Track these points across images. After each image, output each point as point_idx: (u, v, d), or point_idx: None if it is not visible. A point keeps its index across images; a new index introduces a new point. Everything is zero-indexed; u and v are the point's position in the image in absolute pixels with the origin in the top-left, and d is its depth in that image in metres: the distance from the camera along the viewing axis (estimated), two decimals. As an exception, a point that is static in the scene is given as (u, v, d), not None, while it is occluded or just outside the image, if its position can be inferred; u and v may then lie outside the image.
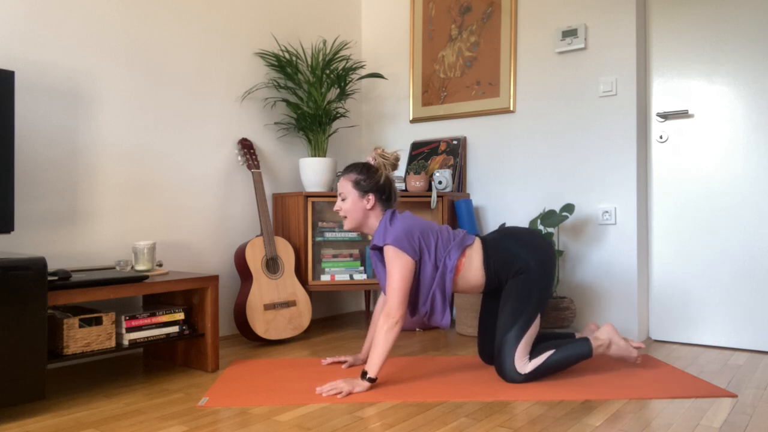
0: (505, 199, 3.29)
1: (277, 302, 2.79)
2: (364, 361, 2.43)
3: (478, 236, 2.29)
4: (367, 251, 2.31)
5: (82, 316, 2.02)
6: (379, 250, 2.22)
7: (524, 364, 2.10)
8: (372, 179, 2.22)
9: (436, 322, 2.20)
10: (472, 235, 2.28)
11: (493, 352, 2.37)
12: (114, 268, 2.39)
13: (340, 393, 1.99)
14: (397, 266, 2.09)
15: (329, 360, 2.43)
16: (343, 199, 2.24)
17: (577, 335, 2.40)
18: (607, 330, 2.24)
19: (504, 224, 3.00)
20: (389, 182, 2.26)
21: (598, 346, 2.18)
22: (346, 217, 2.24)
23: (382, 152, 2.26)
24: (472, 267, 2.19)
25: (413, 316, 2.25)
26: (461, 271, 2.18)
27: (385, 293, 2.24)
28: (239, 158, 3.02)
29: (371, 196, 2.21)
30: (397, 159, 2.27)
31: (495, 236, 2.26)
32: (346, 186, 2.23)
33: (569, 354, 2.14)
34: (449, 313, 2.18)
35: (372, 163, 2.26)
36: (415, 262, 2.12)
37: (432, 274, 2.16)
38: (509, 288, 2.18)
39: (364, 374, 2.06)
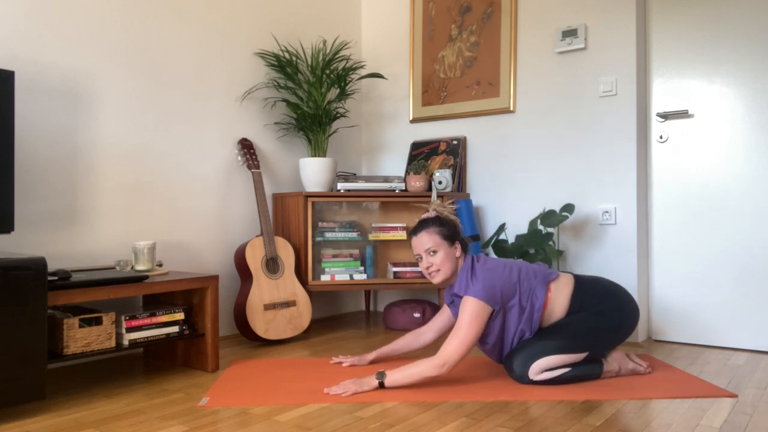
0: (505, 199, 3.29)
1: (277, 302, 2.79)
2: (370, 362, 2.42)
3: (569, 273, 2.30)
4: (446, 294, 2.35)
5: (82, 316, 2.02)
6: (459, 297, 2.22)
7: (537, 374, 2.11)
8: (453, 227, 2.24)
9: None
10: (556, 271, 2.28)
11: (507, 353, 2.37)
12: (114, 268, 2.39)
13: (345, 392, 2.00)
14: (470, 322, 2.07)
15: (336, 360, 2.44)
16: (432, 254, 2.19)
17: None
18: (616, 357, 2.25)
19: (504, 224, 3.00)
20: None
21: (607, 372, 2.21)
22: (438, 270, 2.19)
23: (440, 203, 2.28)
24: (558, 300, 2.20)
25: (500, 361, 2.27)
26: (548, 306, 2.19)
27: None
28: (239, 158, 3.02)
29: (458, 244, 2.22)
30: (453, 204, 2.33)
31: (592, 278, 2.29)
32: (434, 239, 2.19)
33: (582, 374, 2.16)
34: None
35: (438, 216, 2.27)
36: (495, 310, 2.13)
37: (518, 318, 2.17)
38: (580, 316, 2.18)
39: (380, 375, 2.06)
